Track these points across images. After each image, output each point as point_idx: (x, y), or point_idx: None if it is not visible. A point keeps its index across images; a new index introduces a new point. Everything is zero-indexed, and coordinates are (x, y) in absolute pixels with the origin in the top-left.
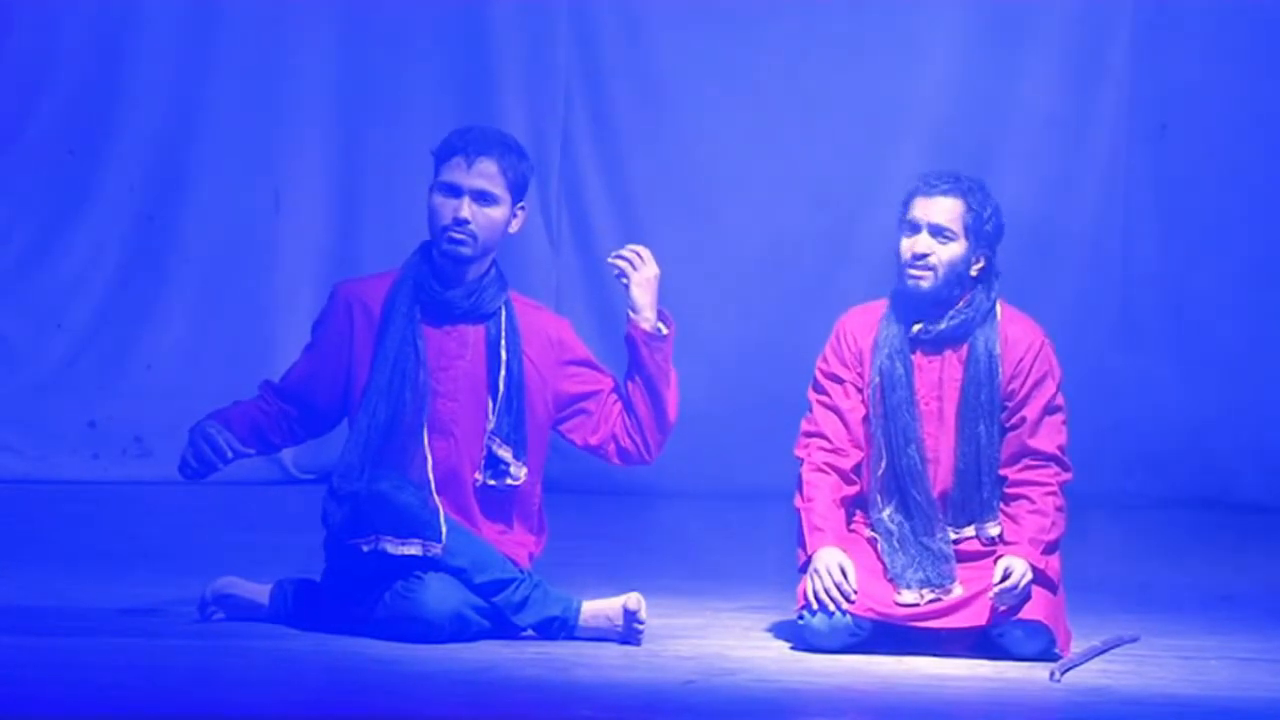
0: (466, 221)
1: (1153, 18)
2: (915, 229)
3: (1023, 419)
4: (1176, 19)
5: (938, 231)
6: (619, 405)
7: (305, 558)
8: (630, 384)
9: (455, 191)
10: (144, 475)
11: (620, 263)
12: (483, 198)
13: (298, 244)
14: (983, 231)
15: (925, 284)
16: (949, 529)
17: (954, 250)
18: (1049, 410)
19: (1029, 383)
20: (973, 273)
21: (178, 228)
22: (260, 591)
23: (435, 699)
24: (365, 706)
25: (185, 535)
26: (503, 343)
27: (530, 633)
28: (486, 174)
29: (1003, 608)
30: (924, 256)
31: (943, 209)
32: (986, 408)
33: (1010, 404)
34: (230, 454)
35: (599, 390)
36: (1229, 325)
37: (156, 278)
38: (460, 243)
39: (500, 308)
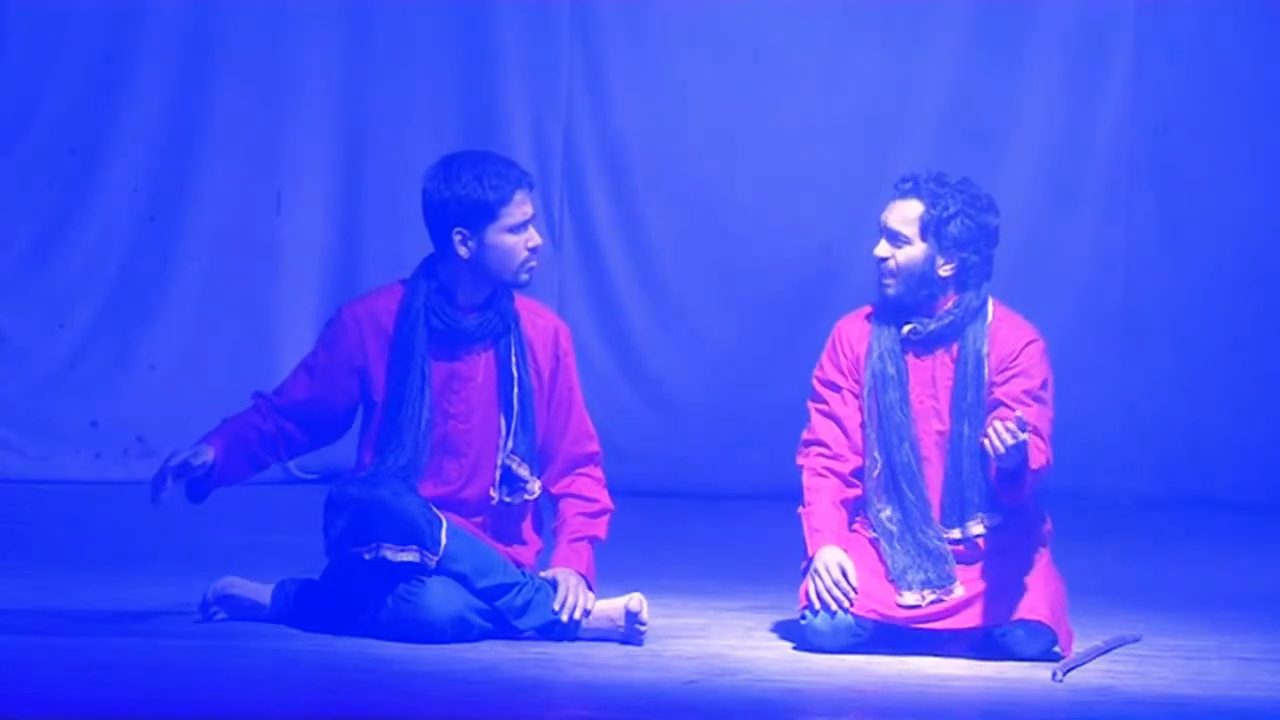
0: (540, 246)
1: (1155, 18)
2: (880, 233)
3: (997, 400)
4: (1179, 20)
5: (892, 236)
6: (573, 489)
7: (306, 558)
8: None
9: (525, 226)
10: (146, 475)
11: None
12: (534, 221)
13: (300, 245)
14: (945, 232)
15: (890, 290)
16: (941, 528)
17: (910, 254)
18: (1029, 393)
19: (1009, 374)
20: (942, 273)
21: (180, 228)
22: (262, 591)
23: (437, 699)
24: (367, 706)
25: (186, 535)
26: (513, 361)
27: (532, 634)
28: (533, 199)
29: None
30: (883, 261)
31: (898, 212)
32: (973, 408)
33: (990, 397)
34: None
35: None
36: (1230, 325)
37: (159, 278)
38: (534, 269)
39: (509, 325)
